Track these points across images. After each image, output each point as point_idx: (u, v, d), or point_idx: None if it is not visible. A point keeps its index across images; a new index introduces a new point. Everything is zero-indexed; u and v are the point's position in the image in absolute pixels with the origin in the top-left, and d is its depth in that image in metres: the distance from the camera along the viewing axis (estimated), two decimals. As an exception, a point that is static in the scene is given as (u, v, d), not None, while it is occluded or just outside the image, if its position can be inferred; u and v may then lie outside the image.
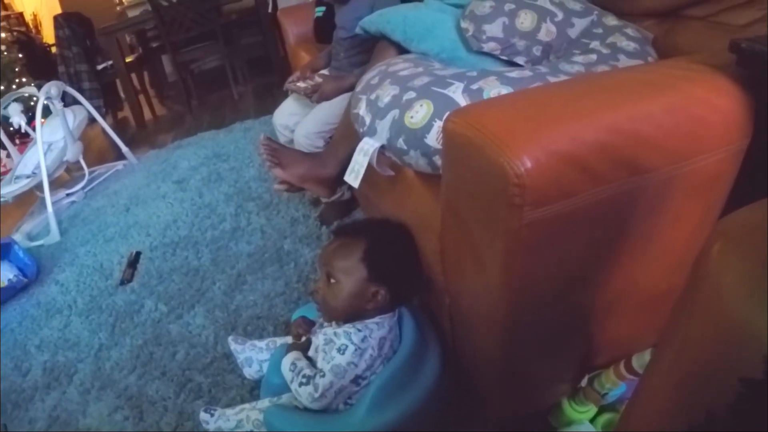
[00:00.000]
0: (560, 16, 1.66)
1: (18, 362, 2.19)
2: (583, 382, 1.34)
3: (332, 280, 1.43)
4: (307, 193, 2.75)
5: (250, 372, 1.70)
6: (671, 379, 0.70)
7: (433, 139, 1.30)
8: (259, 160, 3.42)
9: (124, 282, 2.52)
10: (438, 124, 1.29)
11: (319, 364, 1.37)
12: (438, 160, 1.32)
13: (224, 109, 5.18)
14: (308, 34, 3.34)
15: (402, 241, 1.50)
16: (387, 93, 1.46)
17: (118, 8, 6.07)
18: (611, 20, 1.67)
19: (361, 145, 1.52)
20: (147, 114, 5.75)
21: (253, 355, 1.69)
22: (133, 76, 5.85)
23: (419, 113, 1.33)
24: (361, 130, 1.55)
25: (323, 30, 3.03)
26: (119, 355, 2.06)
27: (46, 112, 3.70)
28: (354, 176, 1.55)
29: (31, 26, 7.29)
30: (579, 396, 1.35)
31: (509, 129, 0.92)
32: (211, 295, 2.26)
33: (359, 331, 1.37)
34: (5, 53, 5.46)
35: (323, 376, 1.33)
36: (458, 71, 1.48)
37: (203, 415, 1.53)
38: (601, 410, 1.38)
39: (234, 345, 1.73)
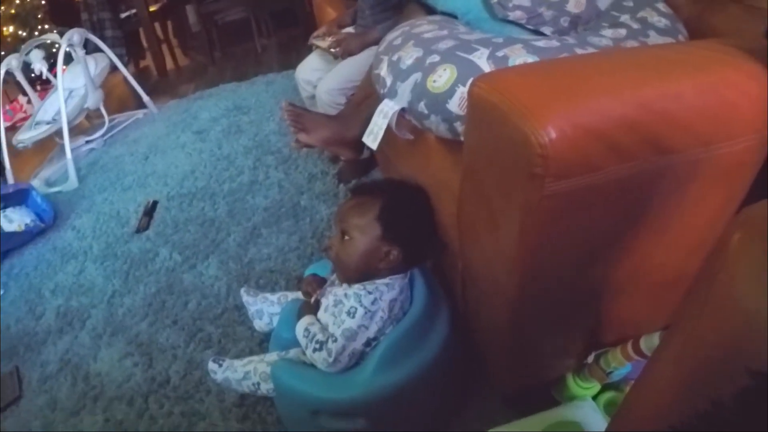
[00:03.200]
0: None
1: (32, 306, 2.22)
2: (589, 359, 1.33)
3: (346, 237, 1.41)
4: (326, 150, 2.73)
5: (260, 324, 1.70)
6: (679, 364, 0.69)
7: (456, 105, 1.28)
8: (279, 113, 3.40)
9: (139, 230, 2.54)
10: (461, 90, 1.26)
11: (330, 328, 1.37)
12: (459, 126, 1.30)
13: (247, 62, 5.13)
14: None
15: (418, 202, 1.48)
16: (410, 55, 1.43)
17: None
18: None
19: (381, 106, 1.49)
20: (169, 64, 5.69)
21: (264, 308, 1.69)
22: (157, 25, 5.79)
23: (442, 78, 1.30)
24: (381, 92, 1.52)
25: None
26: (132, 302, 2.07)
27: (68, 59, 3.70)
28: (373, 138, 1.52)
29: (55, -28, 7.24)
30: (584, 372, 1.33)
31: (536, 98, 0.90)
32: (226, 246, 2.26)
33: (369, 293, 1.36)
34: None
35: (335, 340, 1.32)
36: (484, 36, 1.44)
37: (211, 365, 1.53)
38: (605, 388, 1.38)
39: (246, 297, 1.73)
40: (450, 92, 1.28)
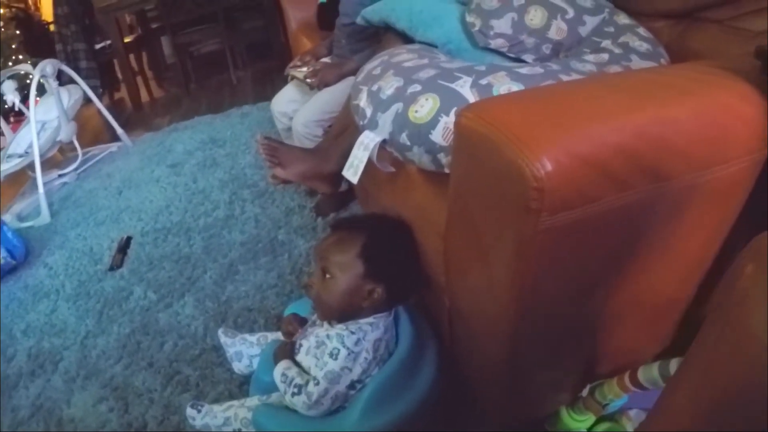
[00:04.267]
0: (571, 13, 1.59)
1: (3, 347, 2.15)
2: (584, 392, 1.30)
3: (327, 275, 1.37)
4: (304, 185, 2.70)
5: (239, 367, 1.66)
6: (696, 398, 0.67)
7: (439, 135, 1.26)
8: (255, 147, 3.36)
9: (113, 267, 2.48)
10: (444, 120, 1.24)
11: (313, 371, 1.33)
12: (443, 157, 1.27)
13: (222, 94, 5.11)
14: (311, 21, 3.29)
15: (401, 237, 1.45)
16: (390, 84, 1.41)
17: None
18: (623, 18, 1.62)
19: (361, 138, 1.46)
20: (144, 96, 5.65)
21: (243, 350, 1.65)
22: (132, 57, 5.76)
23: (424, 108, 1.28)
24: (361, 123, 1.50)
25: (326, 17, 2.97)
26: (106, 344, 2.01)
27: (41, 90, 3.64)
28: (353, 171, 1.49)
29: (30, 3, 7.19)
30: (578, 405, 1.30)
31: (528, 128, 0.87)
32: (202, 284, 2.21)
33: (352, 333, 1.32)
34: (3, 29, 5.37)
35: (317, 383, 1.28)
36: (466, 65, 1.42)
37: (190, 411, 1.49)
38: (599, 420, 1.34)
39: (224, 338, 1.69)
40: (433, 122, 1.26)
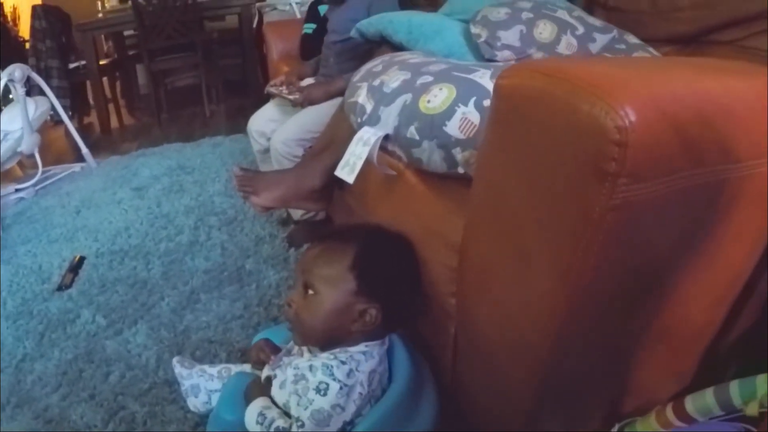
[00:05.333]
0: (581, 29, 1.55)
1: (-75, 365, 1.90)
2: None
3: (310, 292, 1.17)
4: (276, 212, 2.55)
5: (195, 403, 1.44)
6: None
7: (455, 127, 1.12)
8: (225, 175, 3.22)
9: (62, 288, 2.25)
10: (462, 110, 1.11)
11: (294, 411, 1.09)
12: (458, 153, 1.13)
13: (194, 125, 4.97)
14: (293, 52, 3.25)
15: (401, 250, 1.26)
16: (395, 78, 1.28)
17: (100, 14, 5.84)
18: (632, 38, 1.58)
19: (359, 134, 1.31)
20: (114, 122, 5.49)
21: (201, 383, 1.43)
22: (105, 83, 5.63)
23: (438, 97, 1.15)
24: (358, 120, 1.36)
25: (310, 48, 2.93)
26: (44, 369, 1.78)
27: (7, 101, 3.48)
28: (348, 170, 1.32)
29: (9, 18, 7.06)
30: None
31: (600, 78, 0.71)
32: (158, 311, 2.00)
33: (343, 363, 1.10)
34: (-23, 38, 5.23)
35: (302, 425, 1.04)
36: (479, 63, 1.31)
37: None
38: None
39: (179, 368, 1.47)
40: (448, 113, 1.13)
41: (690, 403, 0.94)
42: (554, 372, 0.93)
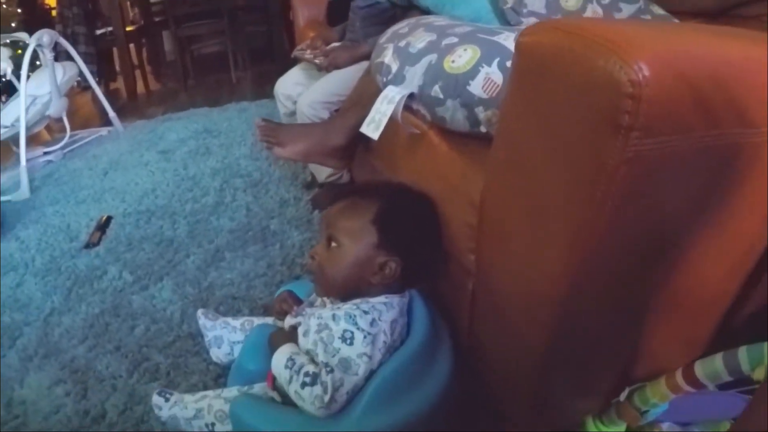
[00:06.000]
0: None
1: (-43, 318, 1.95)
2: (622, 396, 1.11)
3: (333, 244, 1.20)
4: (301, 175, 2.59)
5: (217, 354, 1.46)
6: None
7: (479, 86, 1.12)
8: (251, 139, 3.23)
9: (89, 245, 2.29)
10: (486, 71, 1.11)
11: (321, 357, 1.09)
12: (481, 112, 1.13)
13: (221, 91, 4.97)
14: (319, 18, 3.24)
15: (423, 207, 1.27)
16: (421, 39, 1.29)
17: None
18: (658, 9, 1.56)
19: (385, 92, 1.32)
20: (140, 88, 5.52)
21: (224, 335, 1.46)
22: (131, 48, 5.64)
23: (462, 57, 1.16)
24: (384, 80, 1.37)
25: (336, 13, 2.89)
26: (71, 322, 1.82)
27: (35, 68, 3.51)
28: (374, 127, 1.33)
29: (35, -16, 7.11)
30: (610, 414, 1.11)
31: (617, 35, 0.71)
32: (183, 268, 2.03)
33: (365, 313, 1.11)
34: (4, 6, 5.26)
35: (331, 371, 1.05)
36: (505, 26, 1.30)
37: (156, 399, 1.28)
38: None
39: (203, 320, 1.49)
40: (472, 72, 1.13)
41: (699, 368, 0.94)
42: (566, 329, 0.93)
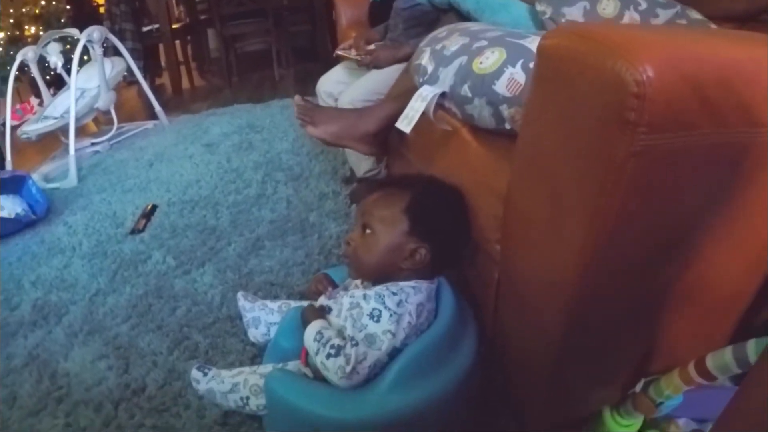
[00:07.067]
0: (644, 5, 1.56)
1: (8, 296, 2.03)
2: (637, 387, 1.14)
3: (368, 231, 1.25)
4: (340, 170, 2.64)
5: (255, 334, 1.52)
6: None
7: (503, 86, 1.18)
8: (293, 134, 3.30)
9: (135, 231, 2.37)
10: (510, 71, 1.18)
11: (349, 331, 1.16)
12: (505, 110, 1.19)
13: (264, 88, 5.05)
14: (361, 18, 3.27)
15: (453, 198, 1.32)
16: (455, 43, 1.36)
17: (172, -22, 5.99)
18: (695, 14, 1.57)
19: (420, 91, 1.38)
20: (185, 84, 5.63)
21: (262, 316, 1.51)
22: (177, 45, 5.76)
23: (489, 59, 1.22)
24: (420, 80, 1.42)
25: (378, 15, 2.92)
26: (115, 303, 1.89)
27: (85, 62, 3.63)
28: (407, 122, 1.39)
29: (84, -20, 7.27)
30: (626, 405, 1.14)
31: (627, 38, 0.76)
32: (225, 255, 2.10)
33: (393, 294, 1.17)
34: (53, 2, 5.40)
35: (355, 344, 1.12)
36: (536, 32, 1.36)
37: (195, 373, 1.34)
38: (645, 426, 1.18)
39: (243, 301, 1.56)
40: (497, 73, 1.19)
41: (710, 361, 0.96)
42: (582, 316, 0.97)
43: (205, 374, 1.33)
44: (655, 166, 0.76)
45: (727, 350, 0.94)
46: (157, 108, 4.04)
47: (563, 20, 1.51)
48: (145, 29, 5.73)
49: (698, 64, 0.75)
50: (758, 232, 0.98)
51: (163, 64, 5.84)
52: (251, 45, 6.41)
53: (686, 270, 0.99)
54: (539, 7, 1.57)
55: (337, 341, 1.13)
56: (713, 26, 1.52)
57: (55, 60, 3.61)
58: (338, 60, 2.58)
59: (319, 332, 1.17)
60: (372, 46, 2.45)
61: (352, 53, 2.40)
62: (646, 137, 0.72)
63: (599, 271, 0.90)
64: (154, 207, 2.58)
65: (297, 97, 1.84)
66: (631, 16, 1.51)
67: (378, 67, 2.22)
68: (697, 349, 1.12)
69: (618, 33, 0.80)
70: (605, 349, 1.09)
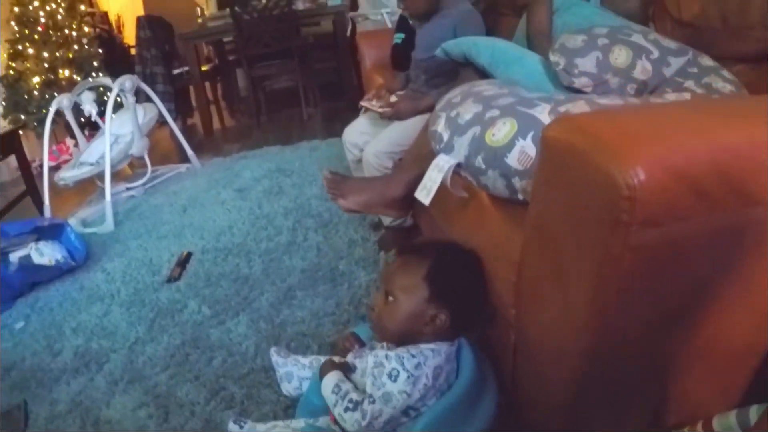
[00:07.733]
0: (656, 54, 1.57)
1: (51, 342, 2.14)
2: None
3: (390, 298, 1.33)
4: (369, 217, 2.69)
5: (288, 388, 1.59)
6: None
7: (514, 159, 1.24)
8: (321, 179, 3.35)
9: (171, 280, 2.46)
10: (521, 144, 1.24)
11: (368, 389, 1.25)
12: (518, 182, 1.26)
13: (292, 127, 5.16)
14: (385, 60, 3.33)
15: (470, 264, 1.39)
16: (468, 110, 1.41)
17: (199, 20, 6.10)
18: (707, 61, 1.59)
19: (436, 161, 1.45)
20: (216, 124, 5.78)
21: (294, 371, 1.59)
22: (207, 86, 5.90)
23: (501, 131, 1.28)
24: (437, 147, 1.49)
25: (400, 57, 3.01)
26: (154, 352, 1.98)
27: (118, 107, 3.74)
28: (426, 193, 1.47)
29: (114, 26, 7.49)
30: None
31: (620, 138, 0.83)
32: (258, 305, 2.17)
33: (413, 356, 1.25)
34: (86, 47, 5.57)
35: (372, 402, 1.21)
36: (545, 94, 1.41)
37: (232, 426, 1.43)
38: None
39: (276, 357, 1.63)
40: (509, 146, 1.25)
41: (716, 422, 1.03)
42: (592, 377, 1.04)
43: (241, 427, 1.42)
44: (653, 255, 0.82)
45: (732, 414, 1.00)
46: (190, 152, 4.16)
47: (576, 71, 1.53)
48: (175, 72, 5.88)
49: (691, 156, 0.80)
50: (765, 296, 1.03)
51: (194, 103, 5.98)
52: (279, 83, 6.51)
53: (696, 332, 1.04)
54: (553, 58, 1.60)
55: (354, 395, 1.24)
56: (725, 73, 1.53)
57: (89, 108, 3.73)
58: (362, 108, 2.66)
59: (337, 385, 1.28)
60: (394, 97, 2.53)
61: (375, 104, 2.48)
62: (640, 234, 0.78)
63: (606, 339, 0.96)
64: (189, 255, 2.66)
65: (325, 171, 1.94)
66: (643, 66, 1.53)
67: (400, 118, 2.30)
68: (714, 400, 1.18)
69: (615, 127, 0.87)
70: (617, 403, 1.15)
